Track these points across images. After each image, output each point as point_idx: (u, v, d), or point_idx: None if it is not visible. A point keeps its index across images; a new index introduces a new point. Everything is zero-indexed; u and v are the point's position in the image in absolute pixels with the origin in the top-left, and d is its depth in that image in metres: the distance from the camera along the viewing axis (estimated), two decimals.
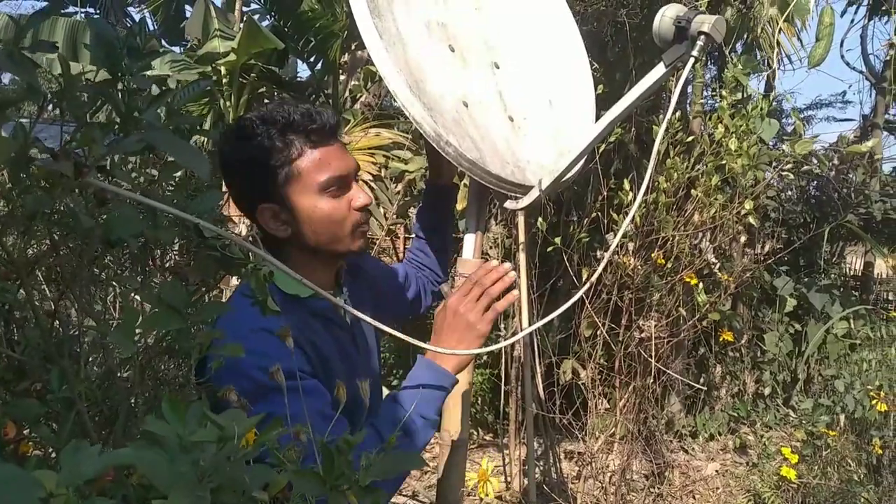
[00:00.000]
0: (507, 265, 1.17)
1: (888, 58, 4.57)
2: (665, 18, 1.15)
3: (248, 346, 0.81)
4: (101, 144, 0.57)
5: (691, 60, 1.13)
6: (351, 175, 1.15)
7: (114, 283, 0.75)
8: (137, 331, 0.61)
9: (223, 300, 1.19)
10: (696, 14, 1.13)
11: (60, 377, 0.68)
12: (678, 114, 3.07)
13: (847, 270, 5.44)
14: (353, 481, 0.52)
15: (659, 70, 1.18)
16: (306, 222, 1.11)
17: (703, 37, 1.11)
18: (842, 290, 4.45)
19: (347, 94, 4.83)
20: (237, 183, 1.15)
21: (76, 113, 0.58)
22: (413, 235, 1.59)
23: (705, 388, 3.82)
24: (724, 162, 2.53)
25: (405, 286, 1.49)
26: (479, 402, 3.82)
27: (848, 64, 5.28)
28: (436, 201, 1.54)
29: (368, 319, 1.01)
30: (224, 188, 1.16)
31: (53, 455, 0.73)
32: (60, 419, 0.70)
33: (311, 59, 4.72)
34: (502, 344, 1.35)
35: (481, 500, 1.83)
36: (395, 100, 1.24)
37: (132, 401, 0.75)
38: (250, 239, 0.75)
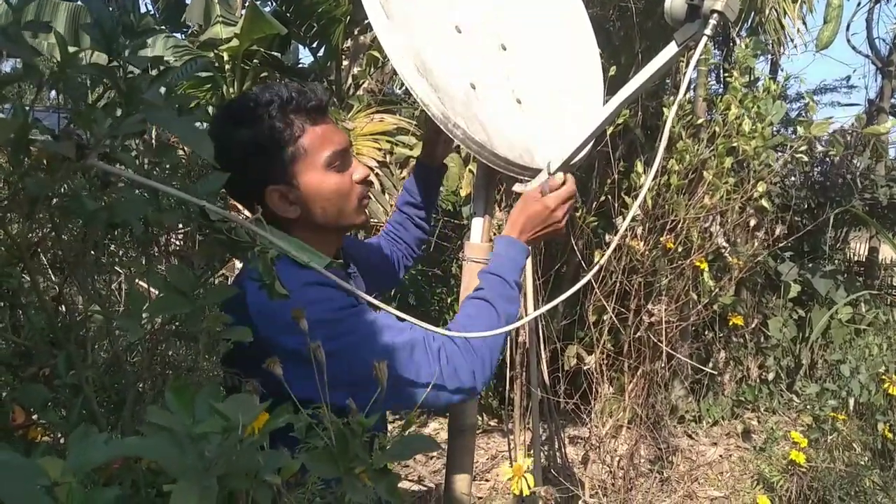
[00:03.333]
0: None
1: None
2: None
3: (311, 298, 0.93)
4: (103, 125, 0.55)
5: (704, 39, 1.11)
6: (349, 149, 1.18)
7: (118, 267, 0.74)
8: (144, 315, 0.60)
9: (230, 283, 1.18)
10: None
11: (67, 362, 0.67)
12: (687, 96, 3.04)
13: (851, 256, 5.41)
14: (368, 464, 0.51)
15: (671, 49, 1.16)
16: (314, 199, 1.12)
17: (715, 15, 1.08)
18: (846, 275, 4.42)
19: (350, 79, 4.78)
20: (240, 169, 1.10)
21: (74, 94, 0.57)
22: (395, 208, 1.60)
23: (715, 373, 3.81)
24: (735, 144, 2.50)
25: (384, 260, 1.51)
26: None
27: (854, 48, 5.23)
28: (426, 178, 1.55)
29: (371, 299, 1.00)
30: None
31: (62, 441, 0.72)
32: (68, 404, 0.70)
33: (314, 45, 4.67)
34: (506, 328, 1.32)
35: (514, 496, 1.81)
36: (399, 84, 1.24)
37: (140, 385, 0.74)
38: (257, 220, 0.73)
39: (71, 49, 0.56)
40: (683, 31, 1.14)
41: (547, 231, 1.26)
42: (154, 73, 0.67)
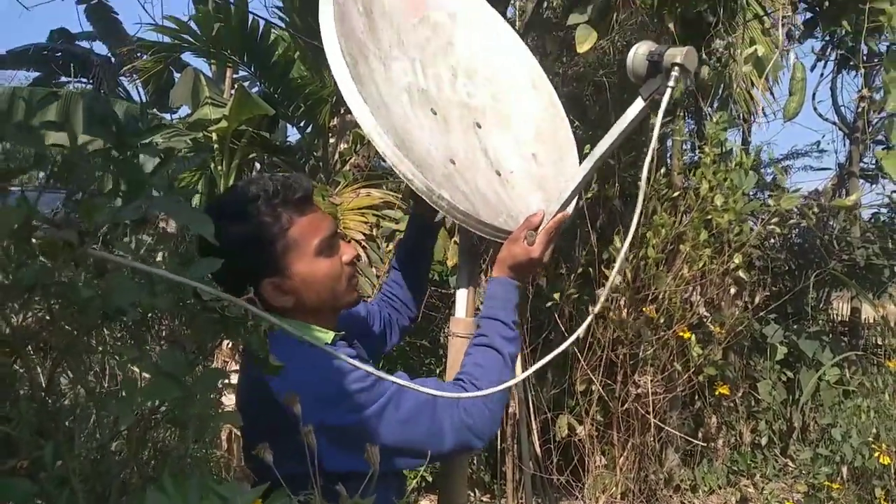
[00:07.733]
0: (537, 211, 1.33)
1: (859, 109, 4.73)
2: (638, 55, 1.19)
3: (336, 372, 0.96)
4: (103, 213, 0.57)
5: (668, 91, 1.16)
6: (336, 233, 1.22)
7: (110, 353, 0.74)
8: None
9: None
10: (667, 48, 1.17)
11: (55, 453, 0.66)
12: (662, 170, 3.14)
13: (834, 316, 5.46)
14: None
15: (638, 104, 1.21)
16: (308, 286, 1.15)
17: (677, 68, 1.14)
18: (831, 335, 4.46)
19: (337, 156, 4.89)
20: (235, 262, 1.12)
21: (81, 183, 0.59)
22: (390, 268, 1.59)
23: (704, 444, 3.76)
24: (710, 217, 2.56)
25: (370, 325, 1.48)
26: (475, 461, 3.74)
27: (821, 115, 5.45)
28: (419, 234, 1.54)
29: (375, 370, 0.99)
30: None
31: None
32: (51, 498, 0.68)
33: (301, 124, 4.79)
34: (490, 390, 1.24)
35: None
36: (384, 160, 1.28)
37: (126, 474, 0.73)
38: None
39: (83, 138, 0.59)
40: (648, 87, 1.20)
41: (532, 268, 1.33)
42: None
